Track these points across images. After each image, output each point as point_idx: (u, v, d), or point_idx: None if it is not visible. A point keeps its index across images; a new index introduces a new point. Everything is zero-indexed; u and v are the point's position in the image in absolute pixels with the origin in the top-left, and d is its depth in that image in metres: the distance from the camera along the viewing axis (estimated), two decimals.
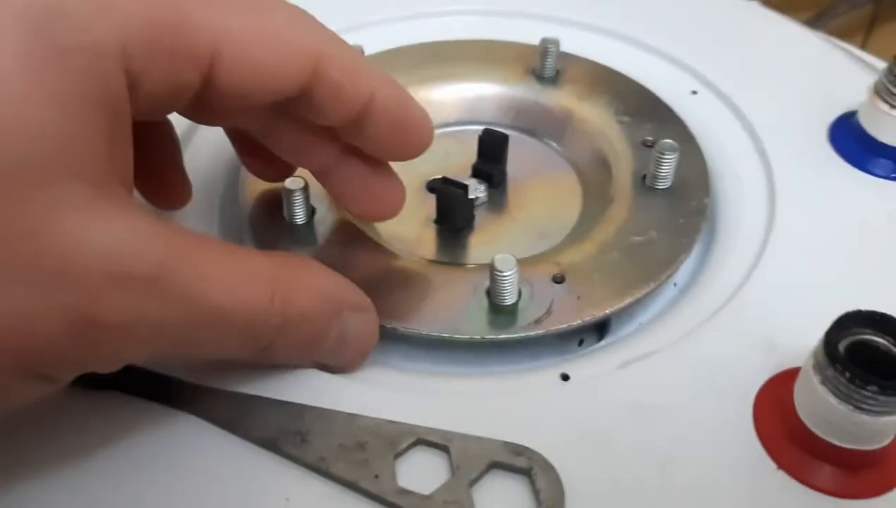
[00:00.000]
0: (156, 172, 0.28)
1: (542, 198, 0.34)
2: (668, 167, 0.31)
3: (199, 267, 0.20)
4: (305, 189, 0.29)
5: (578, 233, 0.31)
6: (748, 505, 0.22)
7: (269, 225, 0.30)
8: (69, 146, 0.18)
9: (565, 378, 0.25)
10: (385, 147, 0.26)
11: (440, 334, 0.26)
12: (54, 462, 0.23)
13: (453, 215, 0.32)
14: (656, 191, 0.31)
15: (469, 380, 0.26)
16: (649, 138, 0.33)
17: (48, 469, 0.23)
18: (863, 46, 1.02)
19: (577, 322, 0.27)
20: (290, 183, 0.29)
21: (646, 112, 0.35)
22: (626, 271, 0.28)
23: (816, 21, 0.96)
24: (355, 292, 0.25)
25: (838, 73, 0.36)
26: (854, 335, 0.22)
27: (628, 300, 0.27)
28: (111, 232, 0.19)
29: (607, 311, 0.27)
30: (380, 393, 0.25)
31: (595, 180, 0.34)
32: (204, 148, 0.35)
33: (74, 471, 0.23)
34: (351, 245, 0.30)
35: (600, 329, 0.29)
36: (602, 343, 0.29)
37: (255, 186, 0.31)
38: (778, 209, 0.30)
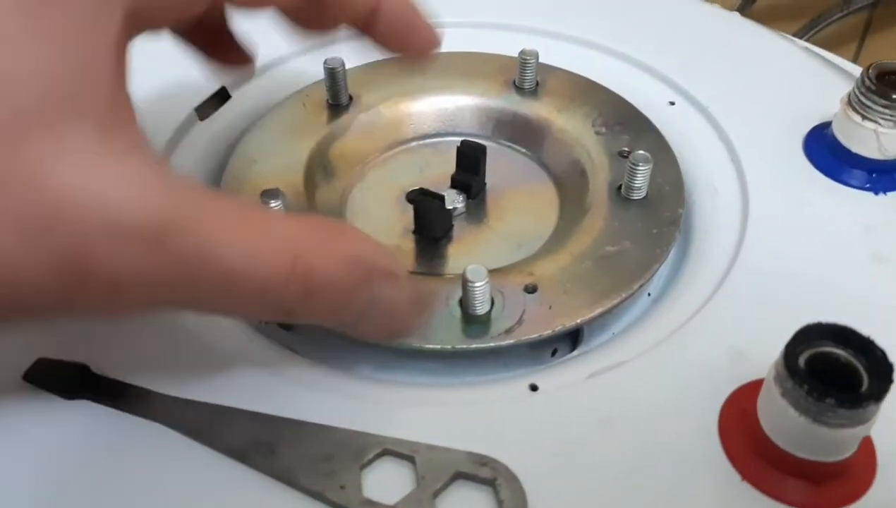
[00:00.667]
0: (216, 36, 0.27)
1: (520, 208, 0.34)
2: (642, 178, 0.31)
3: (209, 225, 0.19)
4: (280, 196, 0.30)
5: (553, 244, 0.31)
6: None
7: None
8: (70, 84, 0.17)
9: (534, 388, 0.26)
10: (396, 45, 0.27)
11: (410, 344, 0.26)
12: (20, 468, 0.23)
13: (431, 225, 0.32)
14: (631, 201, 0.31)
15: (439, 391, 0.26)
16: (625, 149, 0.33)
17: (13, 475, 0.23)
18: (857, 54, 1.02)
19: (548, 332, 0.27)
20: (265, 195, 0.30)
21: (623, 123, 0.35)
22: (598, 281, 0.29)
23: (811, 28, 0.96)
24: (387, 258, 0.23)
25: (816, 84, 0.36)
26: (815, 347, 0.22)
27: (599, 310, 0.28)
28: (111, 179, 0.17)
29: (578, 321, 0.27)
30: (349, 403, 0.25)
31: (572, 190, 0.34)
32: (189, 155, 0.35)
33: (42, 478, 0.23)
34: None
35: (573, 339, 0.29)
36: (575, 353, 0.29)
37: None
38: (751, 219, 0.30)
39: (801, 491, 0.22)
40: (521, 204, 0.34)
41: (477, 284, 0.26)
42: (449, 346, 0.26)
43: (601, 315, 0.28)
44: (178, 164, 0.34)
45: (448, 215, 0.33)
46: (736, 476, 0.23)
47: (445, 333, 0.27)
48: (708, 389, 0.25)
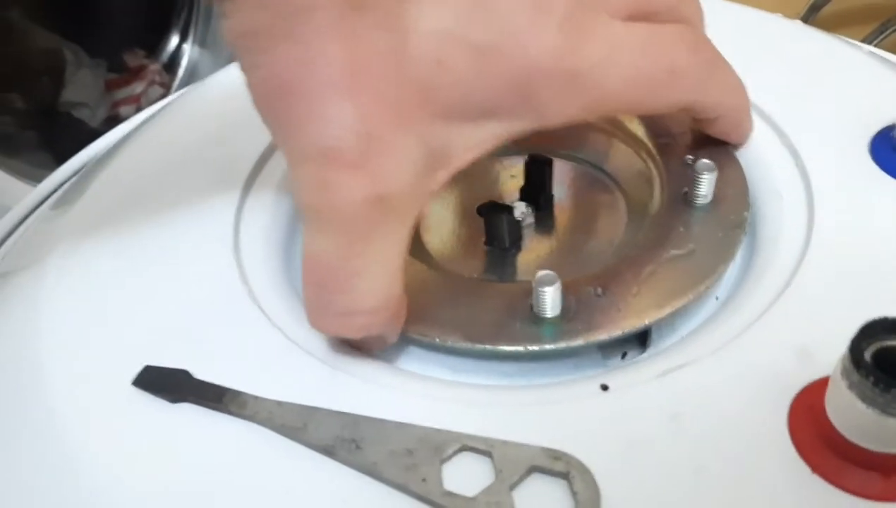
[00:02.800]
0: None
1: (587, 217, 0.35)
2: (706, 185, 0.32)
3: None
4: None
5: (620, 250, 0.32)
6: None
7: None
8: None
9: (605, 388, 0.27)
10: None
11: (484, 346, 0.28)
12: (135, 465, 0.25)
13: (501, 236, 0.34)
14: (696, 207, 0.32)
15: (513, 392, 0.28)
16: (689, 157, 0.34)
17: (130, 472, 0.25)
18: None
19: (617, 332, 0.28)
20: None
21: (686, 131, 0.36)
22: (666, 283, 0.29)
23: (879, 33, 0.95)
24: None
25: (881, 87, 0.36)
26: (881, 341, 0.22)
27: (668, 310, 0.29)
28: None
29: (646, 322, 0.28)
30: (428, 403, 0.26)
31: (637, 199, 0.35)
32: (270, 182, 0.38)
33: (153, 474, 0.25)
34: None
35: (643, 342, 0.30)
36: (644, 355, 0.30)
37: None
38: (816, 221, 0.31)
39: (873, 483, 0.23)
40: (587, 213, 0.36)
41: (547, 289, 0.28)
42: (521, 348, 0.28)
43: (669, 316, 0.29)
44: (267, 180, 0.37)
45: (517, 226, 0.34)
46: (806, 470, 0.23)
47: (517, 336, 0.28)
48: (776, 387, 0.25)
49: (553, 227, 0.35)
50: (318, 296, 0.27)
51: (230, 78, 0.45)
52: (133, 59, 1.04)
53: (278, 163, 0.38)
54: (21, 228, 0.48)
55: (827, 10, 1.03)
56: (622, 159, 0.37)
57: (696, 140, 0.35)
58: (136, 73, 1.03)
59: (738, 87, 0.32)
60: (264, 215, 0.35)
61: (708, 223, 0.32)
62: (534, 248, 0.34)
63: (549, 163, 0.35)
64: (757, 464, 0.24)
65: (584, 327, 0.28)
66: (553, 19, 0.25)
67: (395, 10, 0.24)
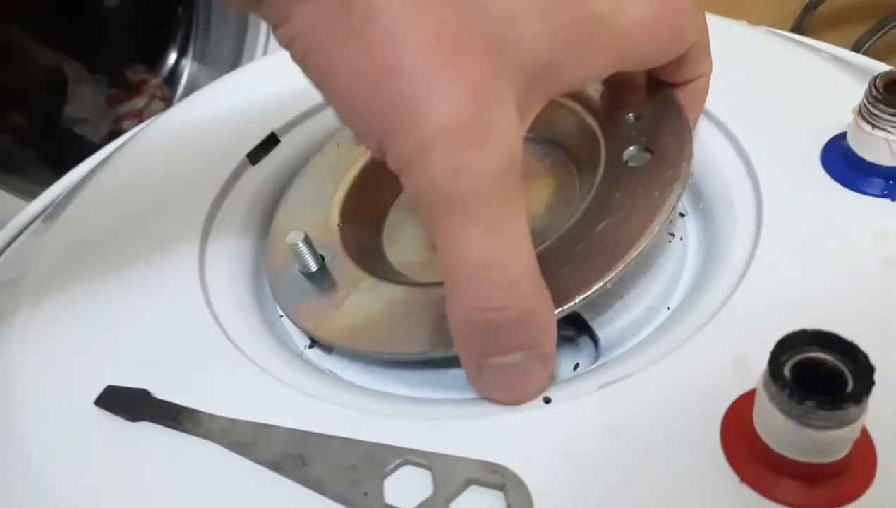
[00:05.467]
0: None
1: (545, 196, 0.35)
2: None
3: None
4: (306, 240, 0.32)
5: (562, 227, 0.31)
6: None
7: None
8: None
9: (547, 401, 0.27)
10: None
11: (426, 353, 0.28)
12: (94, 481, 0.26)
13: None
14: (636, 169, 0.31)
15: (459, 405, 0.28)
16: (631, 115, 0.33)
17: (90, 485, 0.26)
18: None
19: None
20: (290, 237, 0.33)
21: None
22: (594, 260, 0.28)
23: (877, 31, 0.94)
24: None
25: (835, 95, 0.37)
26: (802, 353, 0.23)
27: (595, 287, 0.28)
28: None
29: (574, 301, 0.27)
30: (374, 418, 0.27)
31: (588, 168, 0.34)
32: (243, 195, 0.39)
33: (110, 488, 0.26)
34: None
35: (595, 352, 0.31)
36: (594, 366, 0.30)
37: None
38: (763, 231, 0.31)
39: (798, 492, 0.23)
40: (544, 192, 0.35)
41: None
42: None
43: (596, 294, 0.28)
44: (232, 205, 0.38)
45: None
46: (735, 479, 0.24)
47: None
48: (712, 398, 0.26)
49: None
50: (477, 291, 0.25)
51: (204, 100, 0.46)
52: (134, 74, 1.05)
53: (244, 185, 0.39)
54: (15, 243, 0.50)
55: (823, 8, 1.03)
56: (571, 129, 0.36)
57: (643, 98, 0.34)
58: (137, 88, 1.05)
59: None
60: (232, 229, 0.36)
61: (646, 184, 0.30)
62: None
63: None
64: (688, 475, 0.24)
65: None
66: None
67: None
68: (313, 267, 0.33)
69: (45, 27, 0.99)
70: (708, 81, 0.34)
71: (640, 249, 0.28)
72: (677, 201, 0.29)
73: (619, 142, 0.32)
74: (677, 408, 0.26)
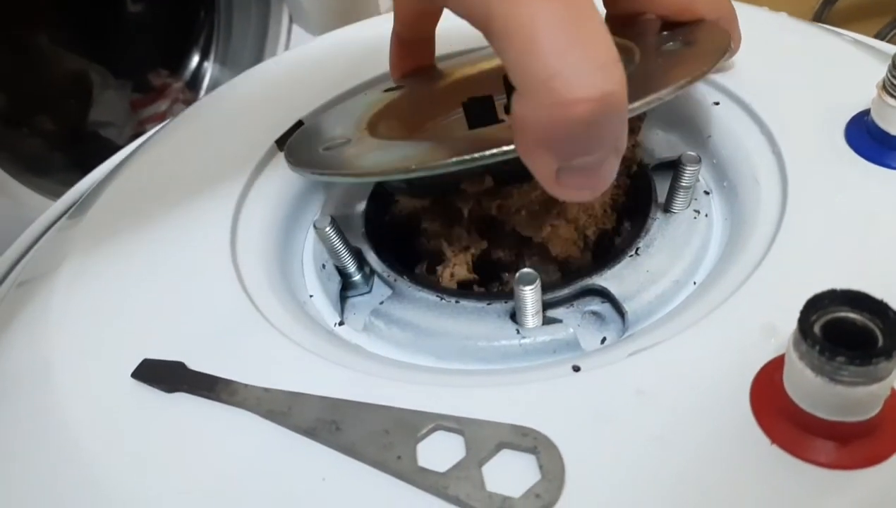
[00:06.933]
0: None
1: None
2: (689, 178, 0.33)
3: None
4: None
5: None
6: (742, 478, 0.24)
7: None
8: None
9: (577, 369, 0.28)
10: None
11: (462, 158, 0.27)
12: (135, 450, 0.27)
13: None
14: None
15: (488, 375, 0.29)
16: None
17: (130, 456, 0.27)
18: None
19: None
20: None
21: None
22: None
23: (895, 26, 0.94)
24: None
25: (857, 73, 0.37)
26: (831, 313, 0.23)
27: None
28: None
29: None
30: (406, 387, 0.28)
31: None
32: (273, 180, 0.39)
33: (150, 458, 0.27)
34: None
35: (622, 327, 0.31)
36: (621, 339, 0.31)
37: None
38: (789, 204, 0.31)
39: (828, 452, 0.23)
40: None
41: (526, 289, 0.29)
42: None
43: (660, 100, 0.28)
44: (261, 189, 0.38)
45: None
46: (766, 441, 0.24)
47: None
48: (741, 363, 0.26)
49: None
50: (567, 78, 0.22)
51: (231, 92, 0.47)
52: (157, 78, 1.07)
53: (273, 170, 0.40)
54: (42, 239, 0.51)
55: (841, 4, 1.03)
56: None
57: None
58: (160, 92, 1.07)
59: None
60: (262, 213, 0.37)
61: (685, 60, 0.31)
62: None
63: (489, 99, 0.36)
64: (717, 436, 0.24)
65: None
66: None
67: None
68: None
69: (71, 34, 1.01)
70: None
71: (696, 75, 0.29)
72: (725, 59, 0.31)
73: (655, 45, 0.33)
74: (707, 373, 0.26)
